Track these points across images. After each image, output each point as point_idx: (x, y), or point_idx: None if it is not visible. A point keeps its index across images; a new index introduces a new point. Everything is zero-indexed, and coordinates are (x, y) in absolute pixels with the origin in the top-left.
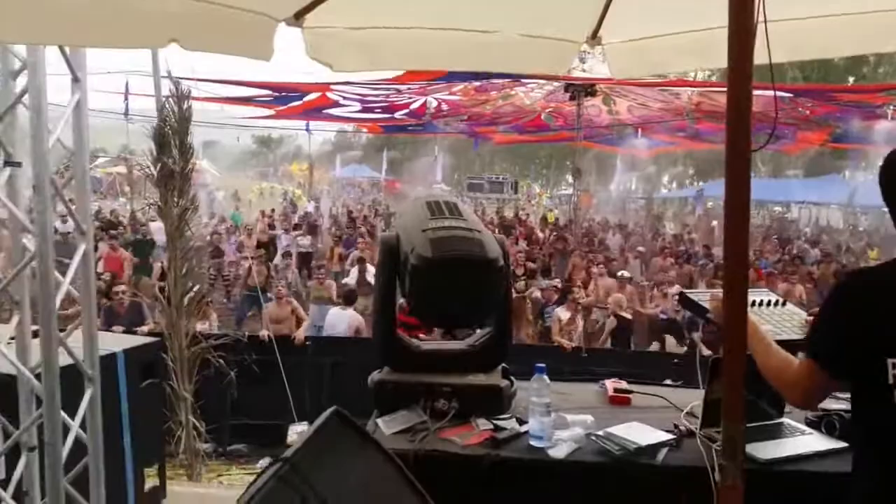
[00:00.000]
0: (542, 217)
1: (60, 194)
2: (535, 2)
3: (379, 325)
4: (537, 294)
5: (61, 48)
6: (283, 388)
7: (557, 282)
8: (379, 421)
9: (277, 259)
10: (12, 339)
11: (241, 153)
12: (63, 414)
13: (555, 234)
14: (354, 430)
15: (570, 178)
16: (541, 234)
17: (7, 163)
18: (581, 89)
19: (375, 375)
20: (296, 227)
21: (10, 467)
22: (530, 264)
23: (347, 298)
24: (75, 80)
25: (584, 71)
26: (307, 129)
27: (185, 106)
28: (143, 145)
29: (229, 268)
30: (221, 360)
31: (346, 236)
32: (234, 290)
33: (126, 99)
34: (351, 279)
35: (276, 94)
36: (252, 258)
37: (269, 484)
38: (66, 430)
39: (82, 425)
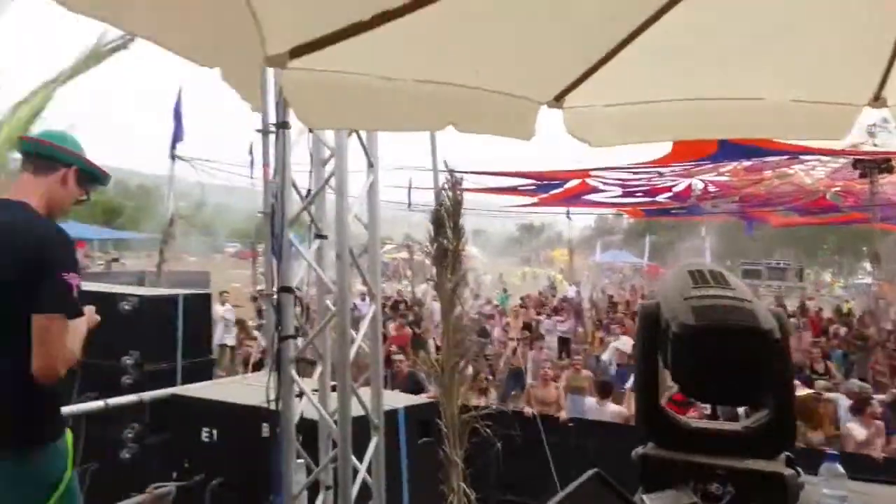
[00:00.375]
0: (835, 308)
1: (356, 262)
2: (804, 64)
3: (641, 397)
4: (840, 398)
5: (359, 137)
6: (547, 465)
7: (862, 385)
8: (644, 497)
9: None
10: (315, 390)
11: (505, 240)
12: (353, 459)
13: (850, 328)
14: (618, 496)
15: (867, 266)
16: (843, 330)
17: (317, 235)
18: (874, 165)
19: (639, 450)
20: (555, 310)
21: (312, 501)
22: (829, 363)
23: (603, 390)
24: (370, 165)
25: (875, 146)
26: (567, 216)
27: (458, 191)
28: (422, 234)
29: (496, 346)
30: (488, 430)
31: (607, 321)
32: (497, 368)
33: (409, 192)
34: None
35: (539, 182)
36: (518, 339)
37: None
38: (356, 473)
39: (368, 470)
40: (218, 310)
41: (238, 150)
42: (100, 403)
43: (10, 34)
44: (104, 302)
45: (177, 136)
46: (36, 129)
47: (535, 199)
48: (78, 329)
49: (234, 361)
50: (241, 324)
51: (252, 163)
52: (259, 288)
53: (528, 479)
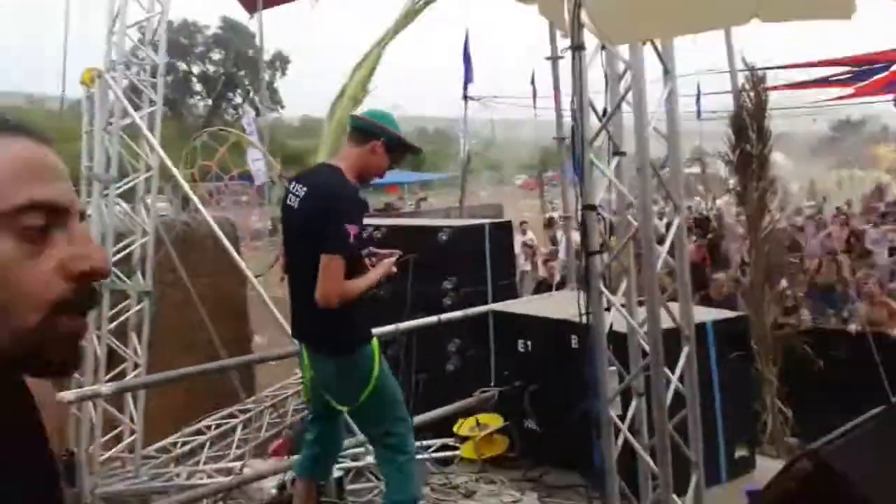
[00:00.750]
0: None
1: (657, 173)
2: None
3: None
4: None
5: (654, 46)
6: (877, 386)
7: None
8: None
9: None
10: (623, 305)
11: (816, 141)
12: (665, 370)
13: None
14: None
15: None
16: None
17: (615, 153)
18: None
19: None
20: (883, 216)
21: (625, 407)
22: None
23: None
24: (666, 72)
25: None
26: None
27: (760, 90)
28: (715, 144)
29: (810, 261)
30: (806, 348)
31: None
32: (812, 283)
33: (698, 100)
34: None
35: (855, 69)
36: (835, 252)
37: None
38: (668, 383)
39: (680, 379)
40: (518, 239)
41: (518, 84)
42: (433, 319)
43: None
44: (426, 233)
45: (467, 78)
46: (371, 88)
47: (850, 90)
48: (369, 275)
49: (539, 290)
50: (530, 247)
51: (535, 93)
52: (552, 214)
53: (854, 401)
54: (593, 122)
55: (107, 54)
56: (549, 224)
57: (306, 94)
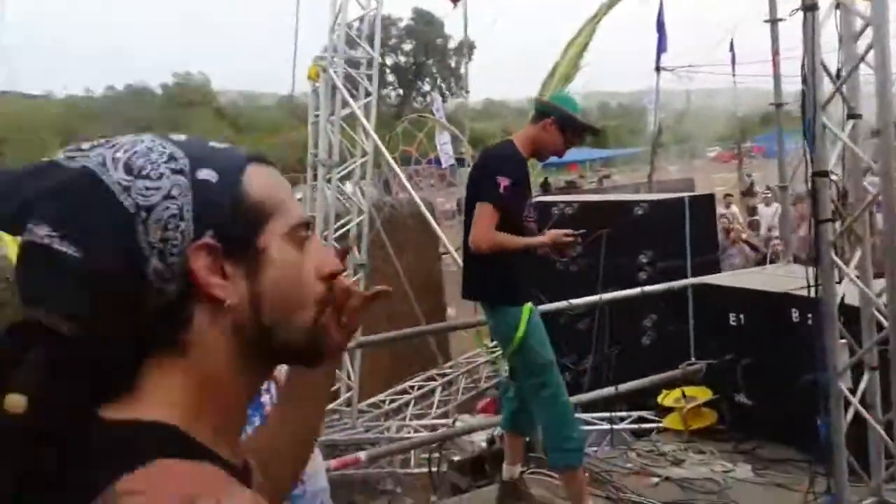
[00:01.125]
0: None
1: None
2: None
3: None
4: None
5: None
6: None
7: None
8: None
9: None
10: (857, 276)
11: None
12: None
13: None
14: None
15: None
16: None
17: (850, 115)
18: None
19: None
20: None
21: (855, 381)
22: None
23: None
24: None
25: None
26: None
27: None
28: None
29: None
30: None
31: None
32: None
33: None
34: None
35: None
36: None
37: None
38: None
39: None
40: (722, 212)
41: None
42: (636, 291)
43: None
44: (619, 209)
45: (661, 48)
46: (583, 64)
47: None
48: (529, 238)
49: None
50: (725, 218)
51: (734, 59)
52: (751, 180)
53: None
54: (823, 85)
55: (329, 49)
56: (749, 192)
57: (488, 78)
